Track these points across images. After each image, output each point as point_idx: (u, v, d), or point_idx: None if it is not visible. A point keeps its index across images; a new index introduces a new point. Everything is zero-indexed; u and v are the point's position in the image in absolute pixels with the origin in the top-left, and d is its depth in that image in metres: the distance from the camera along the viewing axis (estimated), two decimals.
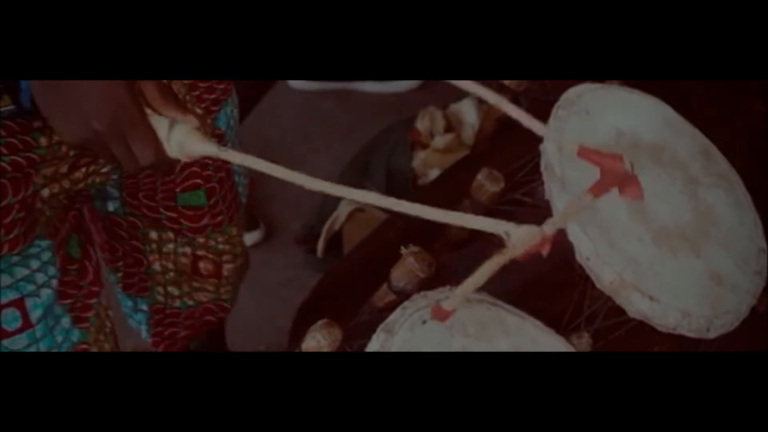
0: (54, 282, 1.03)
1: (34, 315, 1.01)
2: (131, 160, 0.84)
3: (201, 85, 1.11)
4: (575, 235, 0.91)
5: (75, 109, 0.82)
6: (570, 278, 0.94)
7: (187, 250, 1.21)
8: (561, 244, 0.93)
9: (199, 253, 1.22)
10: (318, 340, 0.88)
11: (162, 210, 1.16)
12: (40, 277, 1.02)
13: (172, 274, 1.23)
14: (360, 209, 1.94)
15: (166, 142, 0.85)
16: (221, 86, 1.14)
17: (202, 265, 1.23)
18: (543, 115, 0.99)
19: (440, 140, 2.06)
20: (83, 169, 1.03)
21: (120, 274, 1.27)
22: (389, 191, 2.02)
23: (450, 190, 1.19)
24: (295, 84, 2.37)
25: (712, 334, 0.93)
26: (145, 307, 1.27)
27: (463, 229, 1.04)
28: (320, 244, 1.94)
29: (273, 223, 2.02)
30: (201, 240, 1.21)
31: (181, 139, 0.85)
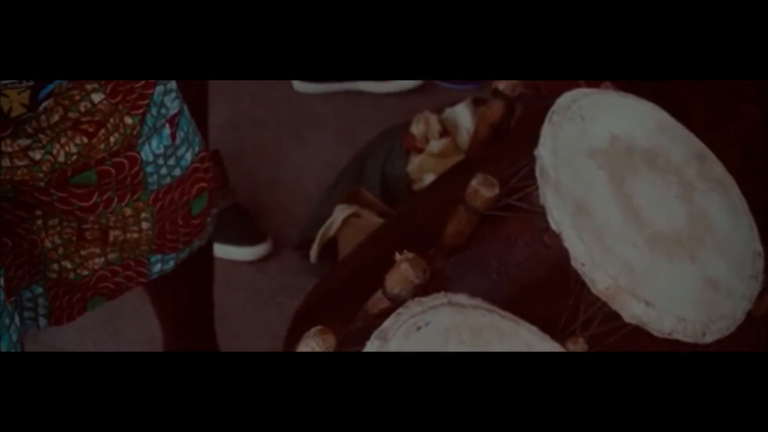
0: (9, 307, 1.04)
1: None
2: None
3: (129, 97, 1.11)
4: (570, 241, 0.91)
5: None
6: (565, 284, 0.94)
7: (74, 224, 1.21)
8: (556, 249, 0.93)
9: (86, 226, 1.22)
10: (312, 346, 0.87)
11: (53, 191, 1.15)
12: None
13: (61, 248, 1.23)
14: (355, 215, 1.94)
15: None
16: (150, 91, 1.14)
17: (88, 233, 1.23)
18: (538, 120, 0.99)
19: (435, 145, 2.05)
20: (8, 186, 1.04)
21: (10, 271, 1.25)
22: (384, 196, 2.02)
23: (445, 195, 1.19)
24: (298, 86, 2.37)
25: (708, 339, 0.93)
26: (40, 290, 1.26)
27: (457, 234, 1.04)
28: (313, 250, 1.94)
29: (268, 229, 2.02)
30: (91, 218, 1.20)
31: None
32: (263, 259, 1.98)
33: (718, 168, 1.07)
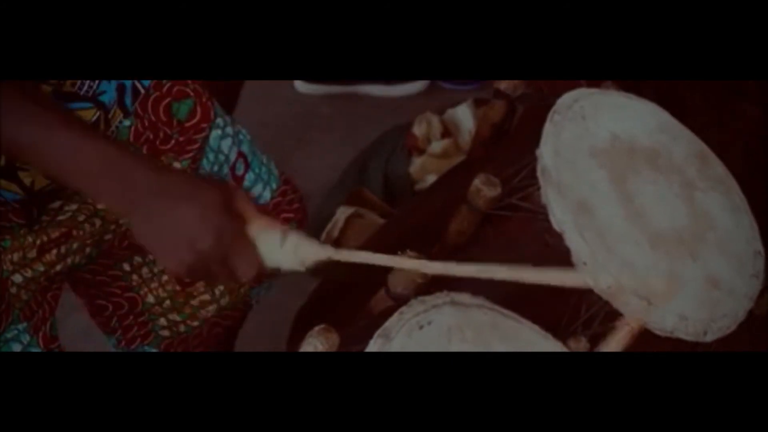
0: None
1: None
2: (232, 277, 0.86)
3: (174, 146, 1.11)
4: (572, 240, 0.92)
5: (178, 238, 0.83)
6: None
7: (160, 265, 1.21)
8: (558, 248, 0.93)
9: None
10: (315, 345, 0.87)
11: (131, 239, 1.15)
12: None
13: (167, 301, 1.23)
14: (358, 215, 1.94)
15: (274, 253, 0.86)
16: (200, 135, 1.13)
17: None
18: (539, 120, 0.99)
19: (437, 145, 2.06)
20: (54, 252, 1.03)
21: (119, 333, 1.26)
22: (387, 197, 2.02)
23: (447, 194, 1.19)
24: (301, 88, 2.37)
25: (709, 338, 0.93)
26: (153, 351, 1.27)
27: (460, 234, 1.04)
28: None
29: None
30: None
31: (296, 246, 0.85)
32: None
33: (719, 167, 1.07)
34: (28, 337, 1.03)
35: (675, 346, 0.92)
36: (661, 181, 1.01)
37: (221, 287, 1.25)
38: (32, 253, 1.02)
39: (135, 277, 1.21)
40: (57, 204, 1.05)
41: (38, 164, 0.87)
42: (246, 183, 1.21)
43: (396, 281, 0.93)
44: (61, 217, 1.05)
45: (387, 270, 0.94)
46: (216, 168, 1.17)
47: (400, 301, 0.91)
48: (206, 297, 1.25)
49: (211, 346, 1.32)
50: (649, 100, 1.08)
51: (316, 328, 0.89)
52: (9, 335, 1.01)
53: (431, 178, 1.98)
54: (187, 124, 1.11)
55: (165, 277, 1.21)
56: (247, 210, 0.87)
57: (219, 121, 1.17)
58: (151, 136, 1.07)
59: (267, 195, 1.24)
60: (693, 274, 0.96)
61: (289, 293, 1.89)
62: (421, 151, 2.07)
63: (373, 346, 0.84)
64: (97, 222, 1.08)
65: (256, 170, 1.23)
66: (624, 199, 0.97)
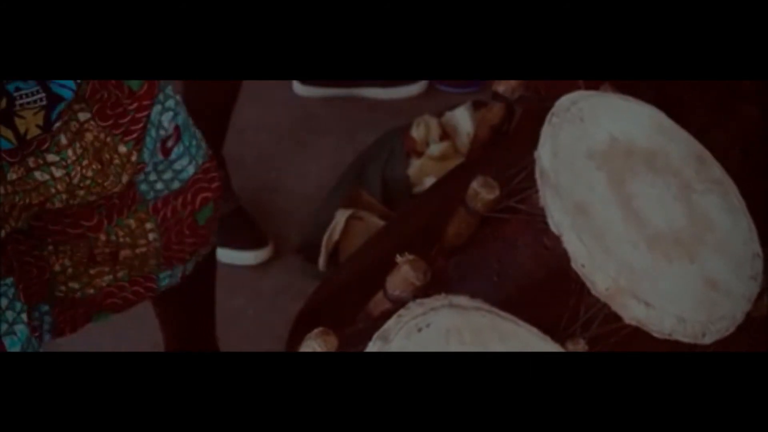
0: (24, 316, 1.04)
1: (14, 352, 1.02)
2: None
3: (121, 121, 1.11)
4: (570, 242, 0.92)
5: None
6: (565, 285, 0.94)
7: (85, 249, 1.21)
8: (556, 251, 0.93)
9: (96, 249, 1.22)
10: (314, 348, 0.88)
11: (62, 218, 1.16)
12: (10, 315, 1.03)
13: (70, 269, 1.23)
14: (357, 217, 1.94)
15: None
16: (144, 113, 1.13)
17: (98, 256, 1.23)
18: (537, 123, 1.00)
19: (435, 148, 2.06)
20: (24, 214, 1.05)
21: (21, 286, 1.27)
22: (385, 199, 2.02)
23: (445, 197, 1.19)
24: (299, 90, 2.37)
25: (707, 340, 0.93)
26: (46, 308, 1.27)
27: (458, 236, 1.04)
28: (322, 257, 1.94)
29: (269, 233, 2.02)
30: (103, 238, 1.21)
31: None
32: (265, 263, 1.98)
33: (716, 169, 1.07)
34: (13, 291, 1.04)
35: (673, 349, 0.92)
36: (659, 183, 1.01)
37: (123, 261, 1.25)
38: (7, 209, 1.03)
39: (50, 248, 1.21)
40: (51, 159, 1.05)
41: None
42: (172, 155, 1.21)
43: (394, 284, 0.93)
44: (38, 176, 1.05)
45: (386, 273, 0.94)
46: (155, 144, 1.17)
47: (399, 304, 0.91)
48: (105, 269, 1.25)
49: (99, 310, 1.31)
50: (647, 101, 1.09)
51: (315, 331, 0.89)
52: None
53: (429, 181, 1.98)
54: (138, 93, 1.11)
55: (79, 254, 1.22)
56: None
57: (161, 96, 1.17)
58: (105, 95, 1.07)
59: (191, 170, 1.23)
60: (691, 276, 0.96)
61: (288, 295, 1.89)
62: (420, 154, 2.07)
63: (372, 348, 0.84)
64: (64, 197, 1.09)
65: (186, 143, 1.22)
66: (622, 200, 0.97)
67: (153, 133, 1.16)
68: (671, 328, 0.92)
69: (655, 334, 0.92)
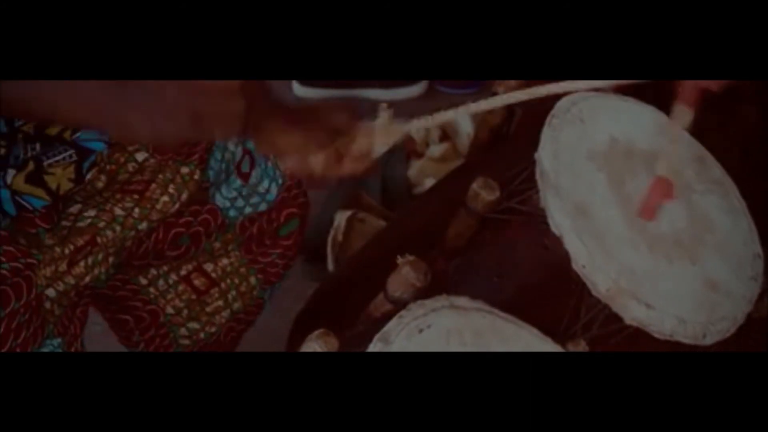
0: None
1: None
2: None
3: (181, 150, 1.12)
4: (571, 243, 0.92)
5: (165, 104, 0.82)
6: (566, 286, 0.94)
7: (174, 276, 1.22)
8: (557, 252, 0.93)
9: (183, 272, 1.22)
10: (314, 349, 0.88)
11: (149, 250, 1.16)
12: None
13: (185, 310, 1.23)
14: (358, 218, 1.94)
15: None
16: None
17: (196, 282, 1.23)
18: (537, 124, 1.00)
19: (436, 149, 2.06)
20: (82, 264, 1.05)
21: (141, 346, 1.27)
22: (385, 200, 2.02)
23: (445, 198, 1.19)
24: (299, 92, 2.37)
25: (708, 341, 0.93)
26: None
27: (458, 237, 1.04)
28: (329, 260, 1.93)
29: None
30: (182, 260, 1.21)
31: None
32: None
33: (717, 170, 1.07)
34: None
35: (674, 350, 0.92)
36: None
37: (233, 293, 1.26)
38: (63, 266, 1.03)
39: (152, 289, 1.22)
40: (75, 209, 1.06)
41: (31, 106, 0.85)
42: (252, 179, 1.22)
43: (395, 285, 0.93)
44: (81, 224, 1.06)
45: (386, 274, 0.94)
46: (223, 166, 1.17)
47: (399, 305, 0.91)
48: (220, 303, 1.26)
49: (228, 351, 1.33)
50: (647, 102, 1.09)
51: (315, 332, 0.89)
52: (45, 350, 1.02)
53: (430, 182, 1.98)
54: None
55: (180, 287, 1.22)
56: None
57: None
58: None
59: (274, 190, 1.25)
60: (691, 277, 0.96)
61: (288, 297, 1.89)
62: (420, 155, 2.07)
63: (373, 349, 0.84)
64: (117, 228, 1.09)
65: (262, 166, 1.24)
66: (622, 201, 0.97)
67: (218, 155, 1.17)
68: (672, 329, 0.92)
69: (656, 335, 0.92)
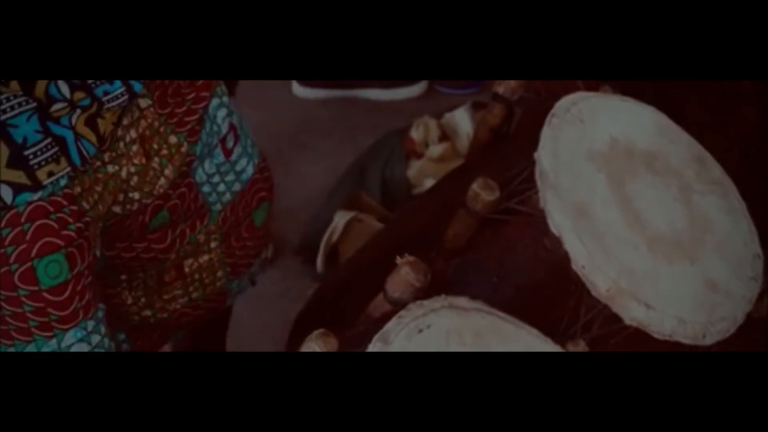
0: (110, 347, 1.06)
1: None
2: None
3: (177, 110, 1.11)
4: (571, 243, 0.92)
5: None
6: (566, 286, 0.94)
7: (153, 272, 1.21)
8: (556, 252, 0.93)
9: (166, 275, 1.22)
10: (314, 349, 0.88)
11: (135, 245, 1.16)
12: (106, 342, 1.05)
13: (143, 299, 1.23)
14: (357, 219, 1.94)
15: None
16: (201, 105, 1.13)
17: (166, 276, 1.23)
18: (537, 124, 1.00)
19: (435, 149, 2.06)
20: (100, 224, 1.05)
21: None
22: (385, 201, 2.02)
23: (445, 198, 1.19)
24: (298, 92, 2.37)
25: (708, 341, 0.93)
26: (123, 336, 1.27)
27: (458, 238, 1.04)
28: (319, 258, 1.94)
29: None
30: (172, 257, 1.21)
31: None
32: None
33: (716, 170, 1.07)
34: (102, 315, 1.05)
35: (674, 350, 0.92)
36: (659, 184, 1.01)
37: (197, 284, 1.25)
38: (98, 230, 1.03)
39: (125, 284, 1.21)
40: (107, 157, 1.05)
41: None
42: (233, 156, 1.21)
43: (394, 286, 0.93)
44: (100, 175, 1.05)
45: (386, 275, 0.94)
46: (209, 139, 1.17)
47: (399, 306, 0.91)
48: (178, 292, 1.25)
49: (174, 331, 1.32)
50: (647, 102, 1.09)
51: (315, 333, 0.89)
52: (99, 315, 1.03)
53: (429, 182, 1.98)
54: (196, 83, 1.12)
55: (150, 282, 1.22)
56: None
57: (219, 89, 1.17)
58: (167, 81, 1.08)
59: (250, 170, 1.24)
60: (691, 277, 0.96)
61: (288, 298, 1.89)
62: (419, 155, 2.08)
63: (372, 350, 0.84)
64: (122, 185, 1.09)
65: (244, 143, 1.23)
66: (622, 202, 0.97)
67: (208, 127, 1.16)
68: (672, 329, 0.92)
69: (656, 336, 0.92)
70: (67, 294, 0.98)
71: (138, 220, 1.12)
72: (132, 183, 1.08)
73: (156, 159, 1.09)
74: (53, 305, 0.97)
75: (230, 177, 1.22)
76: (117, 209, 1.08)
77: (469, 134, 2.04)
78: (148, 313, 1.24)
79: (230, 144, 1.20)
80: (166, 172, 1.11)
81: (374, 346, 0.84)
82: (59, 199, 0.96)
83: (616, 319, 0.92)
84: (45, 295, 0.96)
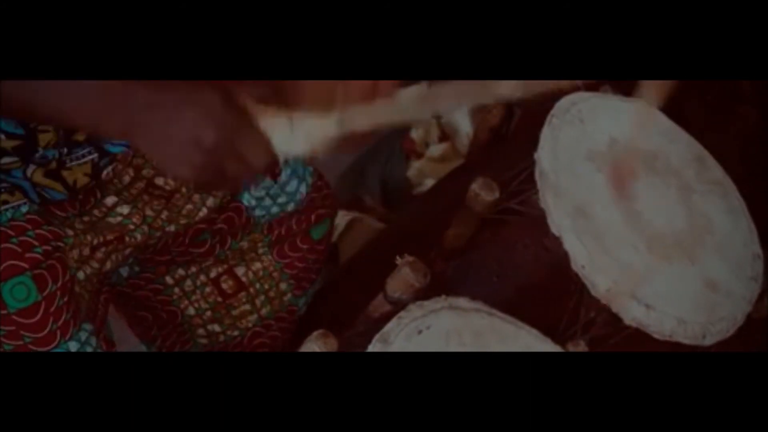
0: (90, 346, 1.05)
1: None
2: (245, 170, 0.85)
3: None
4: (570, 244, 0.92)
5: (183, 141, 0.83)
6: (566, 287, 0.94)
7: (203, 277, 1.21)
8: (556, 252, 0.93)
9: (213, 274, 1.22)
10: (314, 350, 0.88)
11: (172, 249, 1.16)
12: (73, 346, 1.04)
13: (208, 312, 1.23)
14: (357, 219, 1.94)
15: (286, 140, 0.86)
16: None
17: (224, 285, 1.23)
18: (537, 124, 0.99)
19: (435, 149, 2.06)
20: (103, 249, 1.05)
21: (158, 341, 1.27)
22: (385, 201, 2.02)
23: (445, 199, 1.19)
24: None
25: (707, 341, 0.93)
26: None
27: (458, 238, 1.04)
28: None
29: None
30: (210, 261, 1.21)
31: (305, 127, 0.85)
32: None
33: (716, 170, 1.07)
34: (94, 340, 1.04)
35: (674, 350, 0.92)
36: (659, 185, 1.01)
37: (262, 297, 1.25)
38: (86, 251, 1.03)
39: (177, 290, 1.21)
40: (110, 201, 1.07)
41: (37, 109, 0.86)
42: (282, 178, 1.22)
43: (394, 286, 0.93)
44: (112, 219, 1.07)
45: (385, 275, 0.94)
46: None
47: (399, 306, 0.91)
48: (246, 307, 1.25)
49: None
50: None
51: (315, 333, 0.89)
52: (81, 336, 1.02)
53: (429, 182, 1.97)
54: None
55: (207, 289, 1.22)
56: (250, 105, 0.86)
57: None
58: None
59: (303, 190, 1.25)
60: (691, 277, 0.96)
61: None
62: (419, 155, 2.07)
63: (372, 350, 0.84)
64: (146, 228, 1.10)
65: (292, 165, 1.23)
66: (622, 202, 0.97)
67: None
68: (671, 329, 0.92)
69: (656, 336, 0.92)
70: (39, 316, 0.97)
71: (177, 239, 1.13)
72: (162, 217, 1.09)
73: (196, 195, 1.11)
74: (25, 328, 0.97)
75: (282, 199, 1.23)
76: (151, 242, 1.10)
77: (469, 134, 2.04)
78: (216, 328, 1.24)
79: (276, 167, 1.21)
80: (208, 202, 1.12)
81: (374, 347, 0.84)
82: (21, 224, 0.97)
83: (616, 319, 0.92)
84: (15, 318, 0.96)
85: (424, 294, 0.92)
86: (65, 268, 0.99)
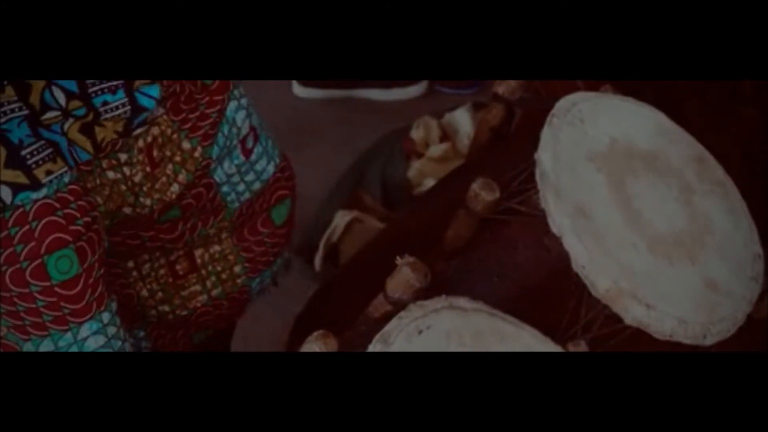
0: (126, 339, 1.08)
1: None
2: None
3: (191, 116, 1.11)
4: (571, 244, 0.92)
5: None
6: (566, 287, 0.94)
7: (162, 260, 1.22)
8: (557, 252, 0.93)
9: (173, 257, 1.22)
10: (314, 350, 0.88)
11: (141, 233, 1.16)
12: (122, 334, 1.06)
13: (159, 293, 1.23)
14: (357, 220, 1.94)
15: None
16: (215, 108, 1.13)
17: (177, 267, 1.23)
18: (537, 124, 0.99)
19: (435, 150, 2.06)
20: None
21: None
22: (385, 201, 2.02)
23: (445, 199, 1.19)
24: (298, 92, 2.37)
25: (708, 341, 0.93)
26: (142, 334, 1.27)
27: (458, 238, 1.04)
28: (318, 257, 1.93)
29: None
30: (179, 246, 1.21)
31: None
32: None
33: (717, 170, 1.07)
34: (117, 320, 1.06)
35: (674, 350, 0.92)
36: (659, 185, 1.01)
37: (213, 278, 1.25)
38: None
39: (135, 273, 1.21)
40: (123, 158, 1.06)
41: None
42: (253, 156, 1.22)
43: (395, 286, 0.93)
44: (111, 174, 1.06)
45: (386, 275, 0.94)
46: (228, 141, 1.17)
47: (399, 306, 0.91)
48: (197, 287, 1.25)
49: (197, 330, 1.32)
50: (647, 102, 1.09)
51: (315, 333, 0.89)
52: (113, 307, 1.05)
53: (429, 183, 1.97)
54: (210, 88, 1.12)
55: (162, 271, 1.22)
56: None
57: (236, 91, 1.17)
58: (178, 89, 1.08)
59: (270, 169, 1.25)
60: (692, 277, 0.96)
61: (289, 297, 1.88)
62: (420, 155, 2.07)
63: (372, 350, 0.84)
64: (131, 198, 1.10)
65: (263, 143, 1.24)
66: (622, 202, 0.97)
67: (225, 130, 1.16)
68: (672, 329, 0.92)
69: (656, 336, 0.92)
70: (79, 288, 0.99)
71: (147, 216, 1.13)
72: (144, 188, 1.09)
73: (170, 166, 1.10)
74: (66, 299, 0.99)
75: (250, 177, 1.22)
76: (127, 210, 1.09)
77: (469, 134, 2.04)
78: (166, 308, 1.25)
79: (250, 144, 1.21)
80: (180, 177, 1.12)
81: (374, 347, 0.84)
82: (65, 195, 0.98)
83: (617, 319, 0.92)
84: (57, 290, 0.98)
85: (424, 294, 0.92)
86: (101, 239, 1.01)
